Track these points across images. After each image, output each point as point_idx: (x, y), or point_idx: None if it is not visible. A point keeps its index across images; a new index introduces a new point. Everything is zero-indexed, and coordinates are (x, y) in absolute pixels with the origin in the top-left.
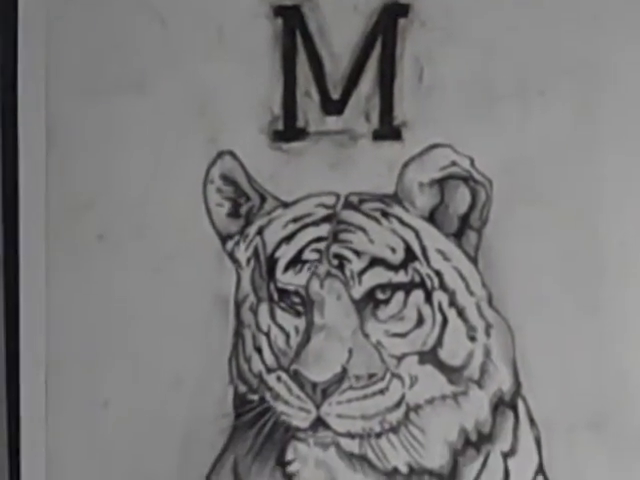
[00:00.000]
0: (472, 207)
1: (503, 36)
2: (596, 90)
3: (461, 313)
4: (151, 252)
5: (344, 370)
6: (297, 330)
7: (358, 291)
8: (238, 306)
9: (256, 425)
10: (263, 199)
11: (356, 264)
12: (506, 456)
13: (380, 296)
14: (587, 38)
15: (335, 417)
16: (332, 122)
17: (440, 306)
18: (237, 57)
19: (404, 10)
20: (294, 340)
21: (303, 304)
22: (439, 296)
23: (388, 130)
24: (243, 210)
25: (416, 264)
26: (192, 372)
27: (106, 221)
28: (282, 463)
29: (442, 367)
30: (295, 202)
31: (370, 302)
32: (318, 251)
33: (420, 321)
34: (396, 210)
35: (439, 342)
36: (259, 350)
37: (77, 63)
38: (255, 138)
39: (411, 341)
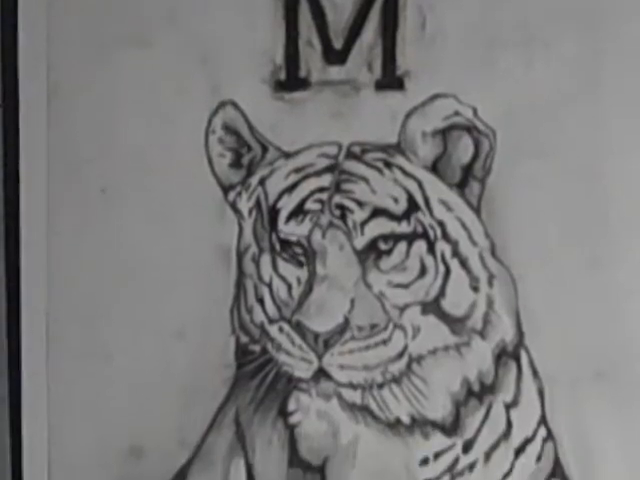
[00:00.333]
0: (475, 157)
1: None
2: (601, 39)
3: (464, 263)
4: (153, 204)
5: (346, 321)
6: (299, 281)
7: (360, 241)
8: (240, 257)
9: (258, 376)
10: (265, 149)
11: (358, 214)
12: (508, 407)
13: (382, 246)
14: None
15: (337, 368)
16: (334, 72)
17: (443, 256)
18: (239, 7)
19: None
20: (296, 291)
21: (305, 255)
22: (442, 246)
23: (391, 80)
24: (245, 160)
25: (419, 214)
26: (194, 323)
27: (108, 174)
28: (284, 414)
29: (445, 317)
30: (297, 152)
31: (372, 252)
32: (320, 201)
33: (423, 271)
34: (399, 160)
35: (442, 292)
36: (261, 301)
37: (79, 17)
38: (257, 88)
39: (413, 291)
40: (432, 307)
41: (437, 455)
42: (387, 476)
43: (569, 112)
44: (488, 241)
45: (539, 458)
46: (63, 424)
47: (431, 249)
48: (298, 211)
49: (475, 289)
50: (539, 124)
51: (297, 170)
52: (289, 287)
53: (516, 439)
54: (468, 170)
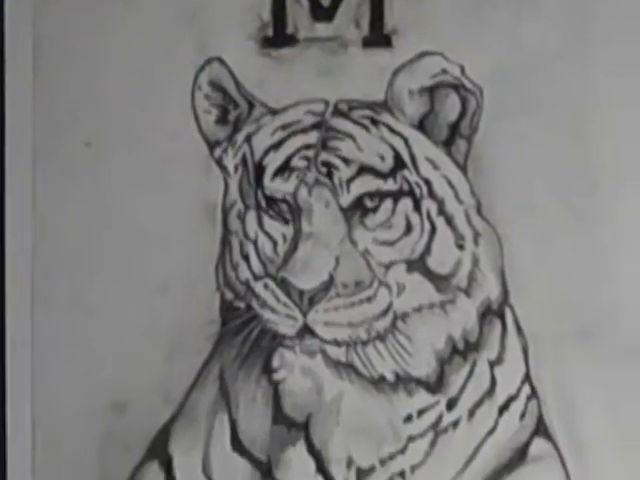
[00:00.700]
0: (462, 115)
1: None
2: None
3: (450, 221)
4: (138, 159)
5: (331, 278)
6: (285, 238)
7: (346, 199)
8: (225, 213)
9: (242, 332)
10: (251, 106)
11: (345, 172)
12: (493, 365)
13: (368, 204)
14: None
15: (322, 325)
16: (322, 29)
17: (429, 214)
18: None
19: None
20: (281, 248)
21: (291, 212)
22: (428, 204)
23: (378, 37)
24: (231, 117)
25: (405, 172)
26: (179, 279)
27: (93, 128)
28: (268, 370)
29: (430, 275)
30: (284, 109)
31: (358, 210)
32: (306, 159)
33: (408, 229)
34: (385, 118)
35: (427, 250)
36: (246, 257)
37: None
38: (244, 44)
39: (399, 249)
40: (417, 265)
41: (421, 412)
42: (371, 433)
43: (557, 69)
44: (474, 199)
45: (523, 416)
46: (46, 379)
47: (417, 207)
48: (284, 168)
49: (460, 247)
50: (527, 81)
51: (283, 127)
52: (274, 244)
53: (500, 397)
54: (455, 128)
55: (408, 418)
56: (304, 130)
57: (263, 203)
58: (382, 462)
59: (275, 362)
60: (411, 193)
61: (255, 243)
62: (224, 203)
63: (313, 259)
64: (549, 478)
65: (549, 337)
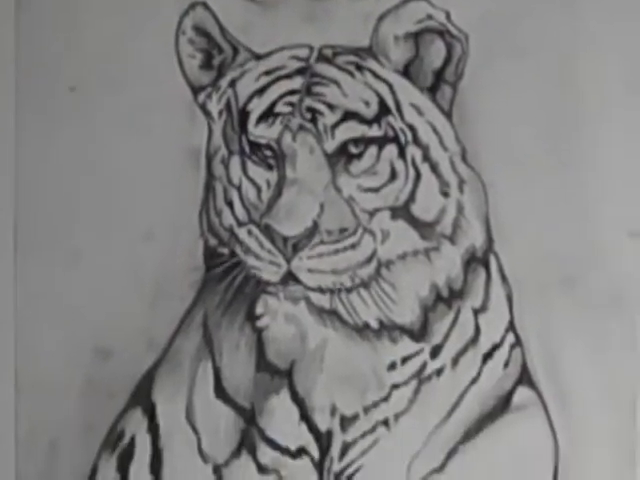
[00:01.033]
0: (447, 61)
1: None
2: None
3: (434, 168)
4: (122, 104)
5: (315, 224)
6: (269, 184)
7: (331, 145)
8: (209, 159)
9: (226, 279)
10: (236, 51)
11: (329, 117)
12: (477, 312)
13: (353, 150)
14: None
15: (305, 271)
16: None
17: (413, 161)
18: None
19: None
20: (265, 194)
21: (275, 157)
22: (412, 151)
23: None
24: (215, 62)
25: (390, 118)
26: (162, 225)
27: (77, 73)
28: (252, 317)
29: (414, 222)
30: (268, 54)
31: (343, 156)
32: (291, 104)
33: (393, 176)
34: (370, 64)
35: (412, 197)
36: (230, 204)
37: None
38: None
39: (383, 196)
40: (402, 212)
41: (405, 360)
42: (355, 380)
43: (544, 15)
44: (459, 146)
45: (507, 364)
46: (30, 325)
47: (402, 153)
48: (268, 113)
49: (445, 194)
50: (514, 28)
51: (268, 72)
52: (258, 190)
53: (484, 345)
54: (440, 74)
55: (392, 366)
56: (288, 76)
57: (247, 149)
58: (366, 410)
59: (259, 309)
60: (396, 139)
61: (239, 189)
62: (208, 149)
63: (297, 205)
64: (532, 426)
65: (534, 285)
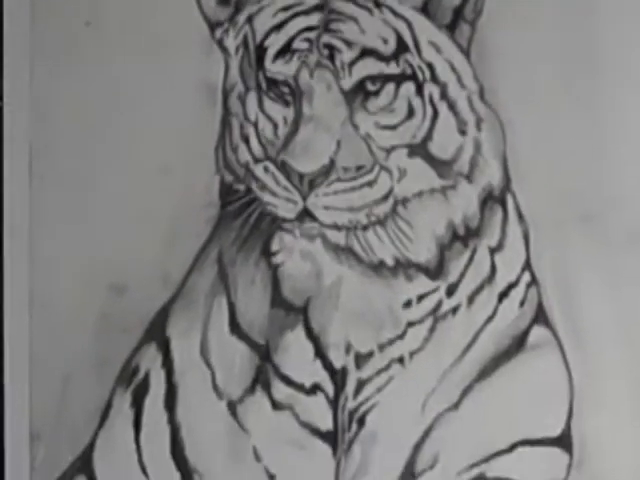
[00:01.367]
0: None
1: None
2: None
3: (452, 106)
4: (139, 40)
5: (332, 161)
6: (285, 120)
7: (348, 82)
8: (226, 95)
9: (242, 215)
10: None
11: (347, 54)
12: (493, 251)
13: (370, 87)
14: None
15: (322, 208)
16: None
17: (431, 99)
18: None
19: None
20: (282, 130)
21: (292, 94)
22: (430, 88)
23: None
24: None
25: (407, 56)
26: (179, 161)
27: (93, 7)
28: (267, 254)
29: (431, 160)
30: None
31: (360, 93)
32: (308, 40)
33: (410, 113)
34: (389, 1)
35: (429, 135)
36: (246, 140)
37: None
38: None
39: (401, 133)
40: (419, 150)
41: (420, 298)
42: (370, 318)
43: None
44: (477, 84)
45: (522, 303)
46: (44, 261)
47: (419, 91)
48: (286, 50)
49: (463, 132)
50: None
51: (285, 8)
52: (275, 126)
53: (500, 283)
54: (459, 12)
55: (407, 304)
56: (306, 12)
57: (264, 85)
58: (381, 347)
59: (274, 245)
60: (414, 77)
61: (255, 125)
62: (225, 84)
63: (314, 142)
64: (548, 365)
65: (550, 223)
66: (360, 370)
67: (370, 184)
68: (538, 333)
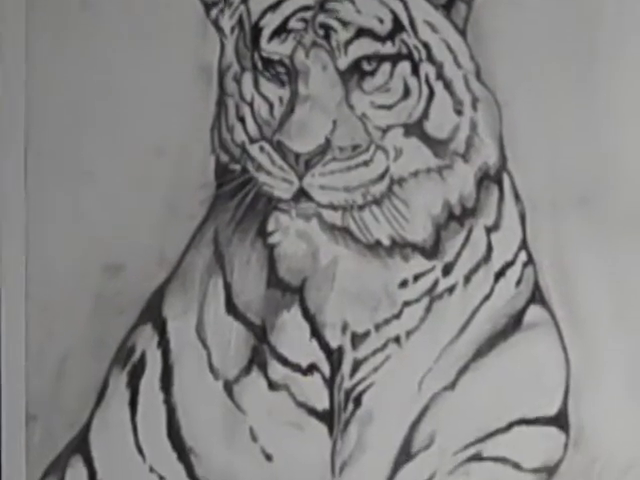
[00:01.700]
0: None
1: None
2: None
3: (448, 86)
4: (133, 20)
5: (328, 141)
6: (281, 100)
7: (344, 62)
8: (221, 75)
9: (237, 195)
10: None
11: (342, 34)
12: (489, 231)
13: (366, 67)
14: None
15: (318, 188)
16: None
17: (427, 78)
18: None
19: None
20: (278, 110)
21: (288, 74)
22: (426, 68)
23: None
24: None
25: (404, 35)
26: (174, 141)
27: None
28: (263, 234)
29: (427, 140)
30: None
31: (356, 73)
32: (304, 20)
33: (406, 93)
34: None
35: (425, 115)
36: (242, 120)
37: None
38: None
39: (397, 113)
40: (415, 129)
41: (417, 277)
42: (366, 297)
43: None
44: (473, 64)
45: (519, 282)
46: (41, 241)
47: (415, 71)
48: (281, 30)
49: (459, 112)
50: None
51: None
52: (271, 106)
53: (496, 263)
54: None
55: (403, 283)
56: None
57: (259, 65)
58: (377, 327)
59: (270, 225)
60: (409, 57)
61: (251, 105)
62: (220, 65)
63: (310, 122)
64: (544, 345)
65: (547, 203)
66: (356, 350)
67: (366, 164)
68: (534, 312)
